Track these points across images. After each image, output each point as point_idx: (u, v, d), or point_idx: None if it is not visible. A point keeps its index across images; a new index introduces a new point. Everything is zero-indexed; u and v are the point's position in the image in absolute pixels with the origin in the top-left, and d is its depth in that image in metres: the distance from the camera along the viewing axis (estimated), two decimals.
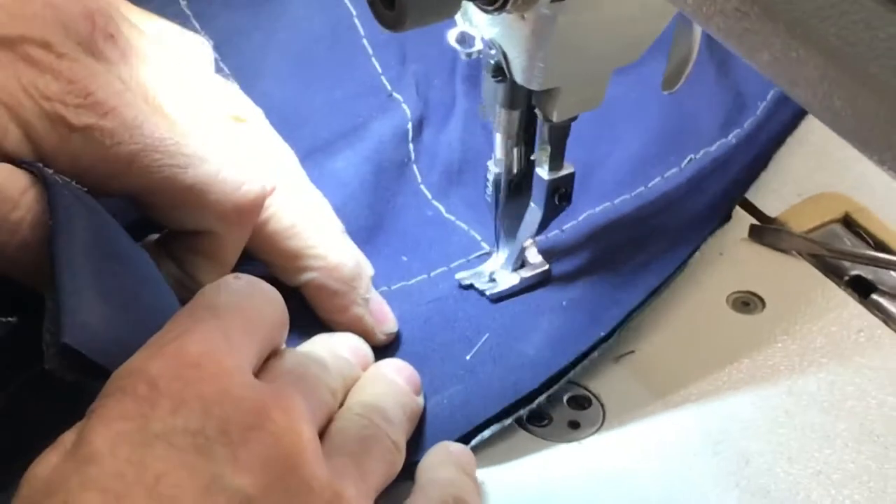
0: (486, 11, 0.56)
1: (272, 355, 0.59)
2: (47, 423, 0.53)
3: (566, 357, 0.69)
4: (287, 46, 0.84)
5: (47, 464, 0.49)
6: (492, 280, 0.74)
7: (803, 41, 0.45)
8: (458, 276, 0.75)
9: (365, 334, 0.70)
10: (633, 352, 0.71)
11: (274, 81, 0.82)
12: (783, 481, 0.65)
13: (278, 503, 0.50)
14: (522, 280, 0.74)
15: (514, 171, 0.71)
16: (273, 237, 0.68)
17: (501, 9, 0.55)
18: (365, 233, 0.77)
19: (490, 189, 0.73)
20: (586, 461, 0.67)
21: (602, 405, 0.69)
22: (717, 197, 0.81)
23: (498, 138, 0.70)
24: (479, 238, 0.79)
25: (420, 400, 0.66)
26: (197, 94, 0.66)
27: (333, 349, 0.66)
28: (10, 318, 0.62)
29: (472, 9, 0.61)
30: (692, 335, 0.73)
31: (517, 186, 0.72)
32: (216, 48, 0.72)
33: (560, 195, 0.71)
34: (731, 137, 0.84)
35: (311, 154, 0.79)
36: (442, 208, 0.80)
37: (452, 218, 0.80)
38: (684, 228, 0.78)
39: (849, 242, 0.80)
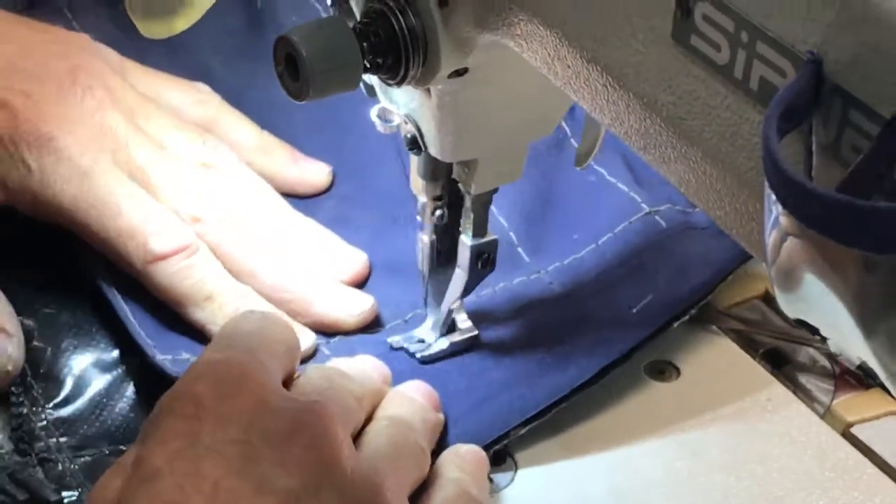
0: (388, 85, 0.61)
1: (293, 374, 0.65)
2: None
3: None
4: None
5: (112, 486, 0.55)
6: (420, 341, 0.78)
7: (649, 111, 0.50)
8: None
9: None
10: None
11: None
12: None
13: (324, 499, 0.56)
14: (451, 344, 0.78)
15: (441, 239, 0.75)
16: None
17: (402, 83, 0.60)
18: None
19: (419, 256, 0.77)
20: None
21: (515, 462, 0.73)
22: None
23: (423, 208, 0.74)
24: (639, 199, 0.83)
25: (440, 416, 0.71)
26: (164, 143, 0.77)
27: (354, 365, 0.71)
28: None
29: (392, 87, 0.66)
30: (606, 398, 0.76)
31: (445, 253, 0.76)
32: None
33: (483, 261, 0.75)
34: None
35: None
36: (604, 172, 0.85)
37: (614, 181, 0.84)
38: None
39: (768, 318, 0.83)
